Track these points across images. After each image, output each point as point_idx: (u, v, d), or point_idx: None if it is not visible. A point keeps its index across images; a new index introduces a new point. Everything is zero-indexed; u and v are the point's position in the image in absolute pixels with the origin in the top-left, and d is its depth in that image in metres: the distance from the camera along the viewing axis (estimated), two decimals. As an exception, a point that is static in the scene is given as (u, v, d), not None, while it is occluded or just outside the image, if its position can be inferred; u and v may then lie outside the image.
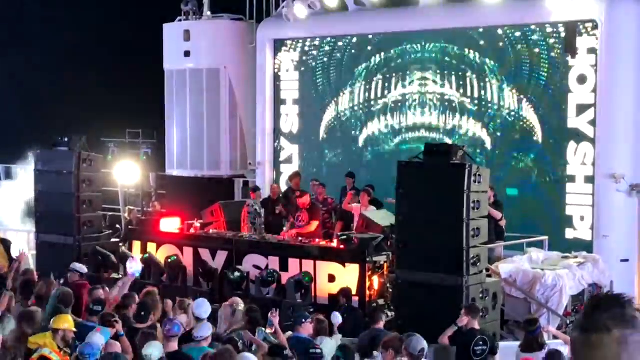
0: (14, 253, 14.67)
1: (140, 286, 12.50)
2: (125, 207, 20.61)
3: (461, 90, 17.75)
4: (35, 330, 8.95)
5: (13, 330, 9.36)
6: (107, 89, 28.40)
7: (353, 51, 19.32)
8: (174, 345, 8.57)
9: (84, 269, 12.73)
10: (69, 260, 14.94)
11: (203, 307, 9.64)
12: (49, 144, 16.28)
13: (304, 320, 9.78)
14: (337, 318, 10.43)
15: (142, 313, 10.05)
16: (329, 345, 9.45)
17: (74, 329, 8.73)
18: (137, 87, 27.18)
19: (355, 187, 16.96)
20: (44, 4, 29.56)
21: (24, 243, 17.10)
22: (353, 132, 19.35)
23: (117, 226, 18.71)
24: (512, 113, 17.13)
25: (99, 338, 8.19)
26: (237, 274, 13.72)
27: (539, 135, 16.81)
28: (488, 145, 17.47)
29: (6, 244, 15.45)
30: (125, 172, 19.92)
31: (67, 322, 8.72)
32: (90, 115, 26.76)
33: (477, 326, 10.00)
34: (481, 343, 9.75)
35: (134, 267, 12.33)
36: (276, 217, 16.67)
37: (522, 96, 16.99)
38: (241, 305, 10.46)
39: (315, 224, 15.01)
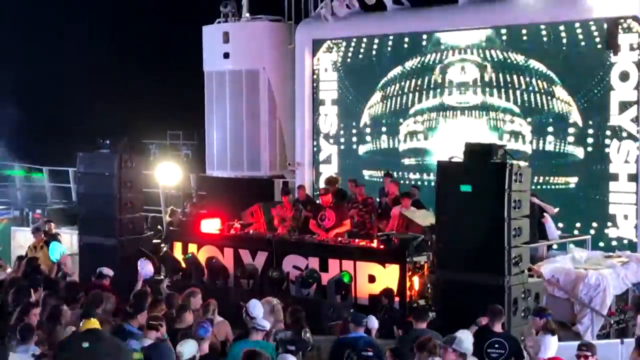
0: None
1: (183, 287, 12.59)
2: (166, 208, 20.76)
3: (502, 90, 17.61)
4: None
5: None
6: (147, 91, 28.63)
7: (391, 51, 19.27)
8: (205, 348, 8.67)
9: (110, 272, 12.70)
10: (111, 262, 15.10)
11: (256, 307, 9.75)
12: (91, 146, 16.45)
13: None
14: (373, 322, 10.43)
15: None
16: None
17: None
18: (177, 89, 27.40)
19: (394, 180, 16.88)
20: (85, 5, 29.88)
21: (67, 245, 17.27)
22: (391, 133, 19.29)
23: (159, 227, 18.86)
24: (554, 110, 16.96)
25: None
26: (275, 273, 13.77)
27: (581, 133, 16.63)
28: (530, 143, 17.31)
29: (51, 246, 15.62)
30: (166, 173, 20.06)
31: (94, 326, 8.71)
32: (131, 117, 27.00)
33: (499, 329, 9.69)
34: (496, 346, 9.33)
35: (146, 268, 12.55)
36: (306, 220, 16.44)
37: (564, 93, 16.82)
38: (274, 302, 10.52)
39: (348, 223, 14.81)
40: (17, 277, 12.63)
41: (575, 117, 16.67)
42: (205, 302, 10.55)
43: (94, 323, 8.75)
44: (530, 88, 17.23)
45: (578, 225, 16.34)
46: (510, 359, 9.44)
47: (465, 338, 8.41)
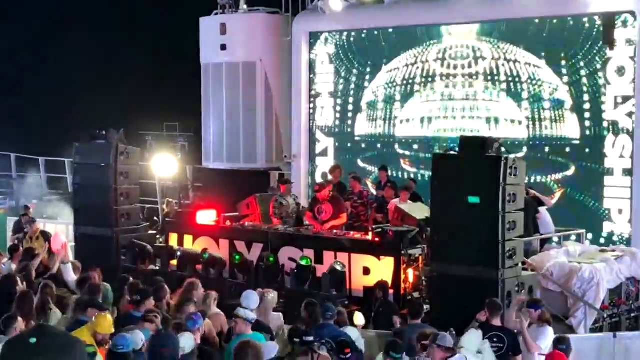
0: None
1: (178, 279, 12.62)
2: (162, 199, 20.79)
3: (499, 83, 17.63)
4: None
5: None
6: (144, 82, 28.62)
7: (389, 43, 19.27)
8: (197, 339, 8.71)
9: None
10: (107, 252, 15.14)
11: (251, 298, 9.78)
12: (87, 137, 16.45)
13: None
14: (360, 319, 10.51)
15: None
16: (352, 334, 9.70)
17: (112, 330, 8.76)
18: (174, 80, 27.38)
19: (390, 180, 16.90)
20: (82, -2, 29.90)
21: (63, 235, 17.27)
22: (388, 125, 19.31)
23: (155, 218, 18.87)
24: (550, 105, 16.99)
25: (139, 335, 8.20)
26: (269, 257, 13.80)
27: (576, 128, 16.66)
28: (525, 138, 17.33)
29: (47, 236, 15.62)
30: (163, 164, 20.07)
31: (108, 323, 8.68)
32: (127, 108, 27.00)
33: (498, 323, 9.73)
34: (495, 340, 9.38)
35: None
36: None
37: (559, 88, 16.85)
38: (271, 295, 10.53)
39: (344, 216, 14.84)
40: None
41: (571, 111, 16.69)
42: (206, 293, 10.56)
43: (108, 320, 8.73)
44: (527, 83, 17.25)
45: (573, 219, 16.37)
46: (508, 353, 9.50)
47: (467, 337, 8.50)
